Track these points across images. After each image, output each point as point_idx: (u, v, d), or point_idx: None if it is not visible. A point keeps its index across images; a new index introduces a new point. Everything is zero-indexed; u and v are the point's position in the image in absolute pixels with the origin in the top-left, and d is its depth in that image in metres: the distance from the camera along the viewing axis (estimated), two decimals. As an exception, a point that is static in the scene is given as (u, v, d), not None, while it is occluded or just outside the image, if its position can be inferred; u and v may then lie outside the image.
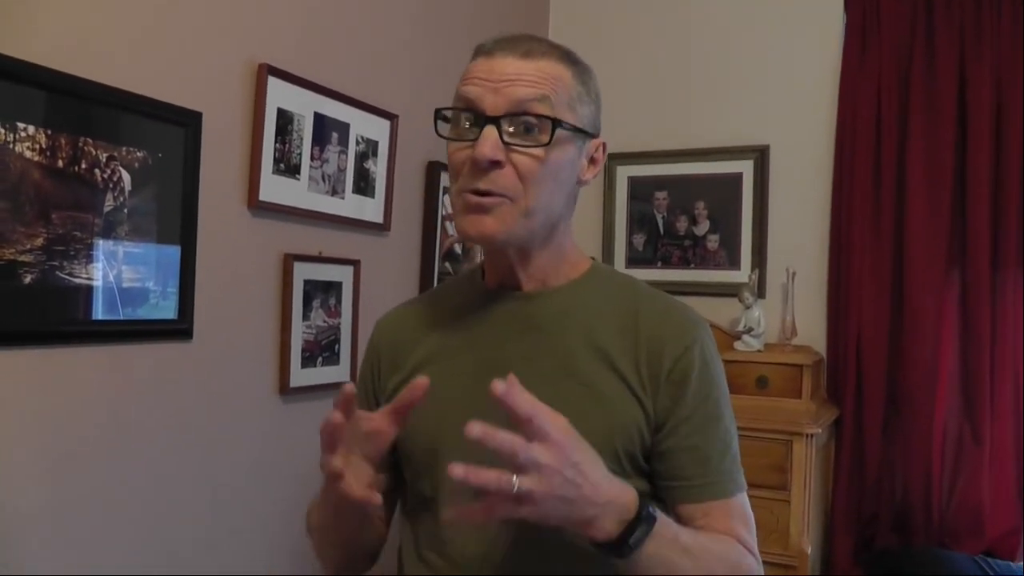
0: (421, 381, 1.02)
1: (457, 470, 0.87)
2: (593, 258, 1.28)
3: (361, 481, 1.03)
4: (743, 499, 1.17)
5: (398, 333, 1.27)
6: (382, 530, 1.29)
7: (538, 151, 1.07)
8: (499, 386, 0.91)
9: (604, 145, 1.19)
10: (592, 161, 1.18)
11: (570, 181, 1.15)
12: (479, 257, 2.95)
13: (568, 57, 1.12)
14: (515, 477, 0.89)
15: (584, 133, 1.13)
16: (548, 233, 1.15)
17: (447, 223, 2.83)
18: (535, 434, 0.91)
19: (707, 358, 1.16)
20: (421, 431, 1.16)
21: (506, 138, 1.06)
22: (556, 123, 1.07)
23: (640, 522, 0.98)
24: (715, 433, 1.15)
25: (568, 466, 0.92)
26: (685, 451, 1.13)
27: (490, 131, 1.05)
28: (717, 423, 1.15)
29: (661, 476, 1.14)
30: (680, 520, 1.15)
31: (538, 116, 1.06)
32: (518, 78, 1.06)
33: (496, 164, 1.05)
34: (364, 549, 1.26)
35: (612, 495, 0.97)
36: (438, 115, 1.14)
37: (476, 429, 0.88)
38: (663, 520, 1.01)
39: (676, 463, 1.13)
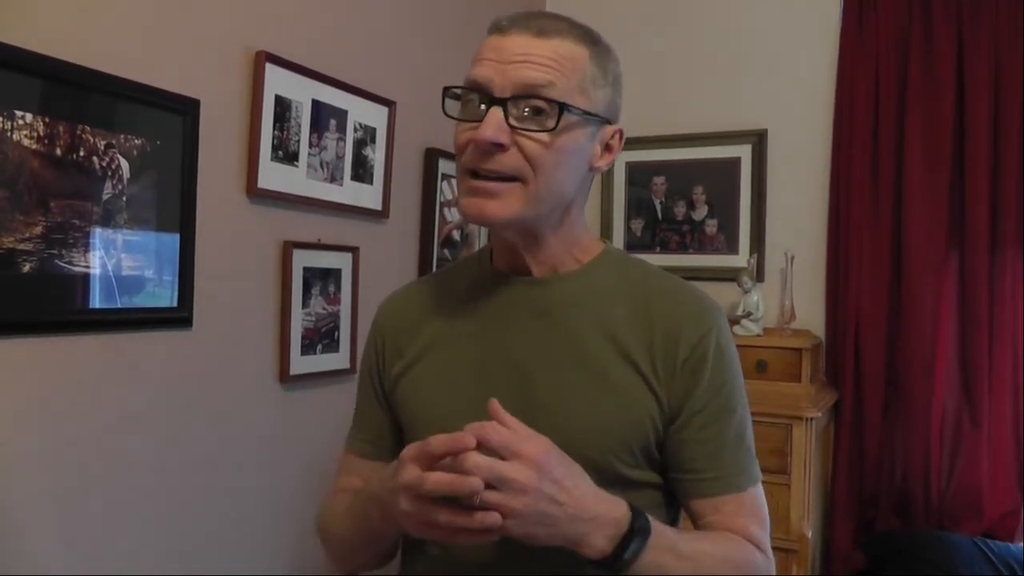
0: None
1: (433, 478, 0.91)
2: (606, 242, 1.24)
3: None
4: (756, 492, 1.15)
5: (402, 317, 1.25)
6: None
7: (544, 136, 1.03)
8: (494, 406, 0.96)
9: (621, 132, 1.15)
10: (607, 148, 1.14)
11: (580, 167, 1.11)
12: (478, 244, 2.95)
13: (587, 37, 1.08)
14: (478, 495, 0.89)
15: (596, 118, 1.09)
16: (559, 219, 1.12)
17: (446, 210, 2.82)
18: (508, 455, 0.92)
19: (722, 346, 1.13)
20: (429, 419, 1.14)
21: (512, 121, 1.03)
22: (563, 108, 1.03)
23: (634, 536, 0.97)
24: (728, 425, 1.12)
25: (547, 482, 0.92)
26: (697, 443, 1.10)
27: (495, 113, 1.02)
28: (731, 414, 1.12)
29: (672, 468, 1.12)
30: (691, 513, 1.14)
31: (546, 100, 1.03)
32: (527, 59, 1.03)
33: (499, 147, 1.02)
34: (387, 553, 1.23)
35: (599, 510, 0.96)
36: (446, 93, 1.11)
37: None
38: (659, 530, 1.00)
39: (688, 455, 1.10)
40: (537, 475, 0.91)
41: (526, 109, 1.03)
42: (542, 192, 1.06)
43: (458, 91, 1.09)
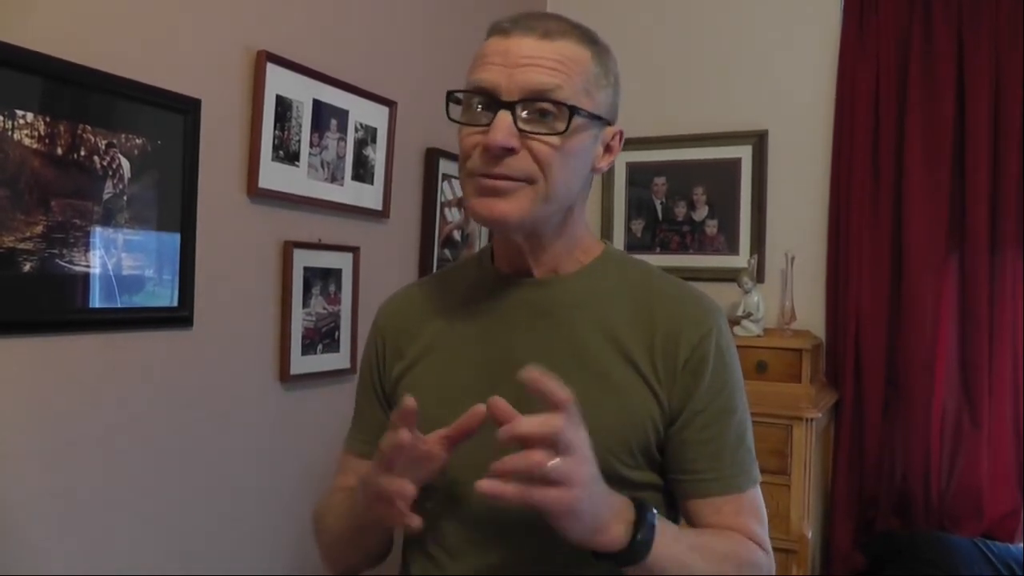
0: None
1: (483, 485, 0.86)
2: (606, 242, 1.24)
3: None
4: (756, 493, 1.15)
5: (402, 318, 1.25)
6: (392, 533, 1.25)
7: (554, 139, 1.03)
8: (532, 372, 0.90)
9: (621, 133, 1.15)
10: (608, 149, 1.14)
11: (585, 168, 1.11)
12: (478, 244, 2.95)
13: (588, 37, 1.08)
14: (549, 461, 0.86)
15: (600, 120, 1.09)
16: (561, 220, 1.12)
17: (446, 210, 2.82)
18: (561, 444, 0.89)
19: (723, 347, 1.13)
20: (429, 420, 1.14)
21: (521, 124, 1.02)
22: (573, 111, 1.03)
23: (643, 521, 0.96)
24: (729, 426, 1.12)
25: (592, 464, 0.92)
26: (698, 444, 1.10)
27: (504, 117, 1.01)
28: (731, 415, 1.13)
29: (672, 469, 1.12)
30: (690, 515, 1.14)
31: (554, 103, 1.02)
32: (534, 62, 1.02)
33: (509, 151, 1.02)
34: (377, 552, 1.23)
35: (612, 499, 0.96)
36: (450, 97, 1.09)
37: (507, 430, 0.87)
38: (663, 521, 1.00)
39: (688, 456, 1.10)
40: (590, 463, 0.91)
41: (532, 112, 1.03)
42: (551, 193, 1.06)
43: (461, 94, 1.08)
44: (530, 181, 1.04)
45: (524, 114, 1.03)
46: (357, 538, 1.16)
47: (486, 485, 0.86)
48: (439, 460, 1.01)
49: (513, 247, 1.14)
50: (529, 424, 0.87)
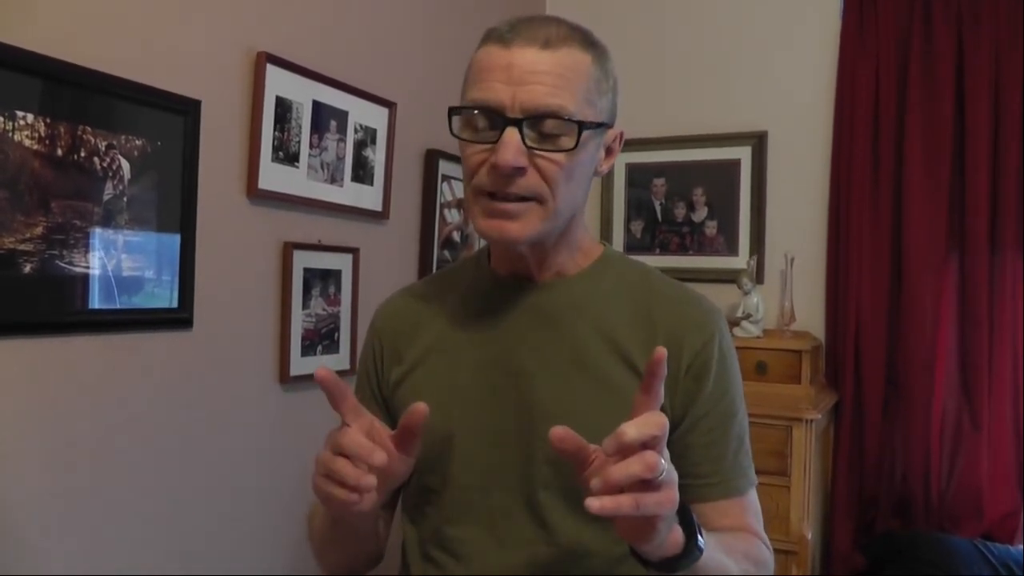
0: (420, 407, 0.95)
1: (594, 504, 0.79)
2: (604, 243, 1.24)
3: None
4: (754, 493, 1.16)
5: (400, 320, 1.24)
6: (384, 535, 1.25)
7: (561, 156, 1.01)
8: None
9: (621, 135, 1.14)
10: (608, 152, 1.14)
11: (588, 176, 1.11)
12: (478, 245, 2.95)
13: (587, 40, 1.06)
14: (661, 461, 0.80)
15: (603, 126, 1.08)
16: (564, 227, 1.12)
17: (446, 211, 2.82)
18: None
19: (725, 350, 1.13)
20: (430, 424, 1.13)
21: (529, 142, 1.00)
22: (582, 127, 1.01)
23: (692, 523, 0.94)
24: (731, 430, 1.12)
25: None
26: (702, 448, 1.10)
27: (512, 135, 0.99)
28: (733, 420, 1.13)
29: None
30: None
31: (564, 120, 1.00)
32: (538, 79, 0.99)
33: (519, 170, 1.00)
34: (365, 556, 1.22)
35: None
36: (453, 112, 1.06)
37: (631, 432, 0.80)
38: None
39: (691, 460, 1.10)
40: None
41: (539, 129, 1.01)
42: (558, 209, 1.05)
43: (467, 111, 1.05)
44: (539, 200, 1.03)
45: (533, 132, 1.01)
46: (339, 539, 1.16)
47: (597, 505, 0.79)
48: (395, 459, 0.99)
49: (515, 253, 1.13)
50: (639, 430, 0.80)
